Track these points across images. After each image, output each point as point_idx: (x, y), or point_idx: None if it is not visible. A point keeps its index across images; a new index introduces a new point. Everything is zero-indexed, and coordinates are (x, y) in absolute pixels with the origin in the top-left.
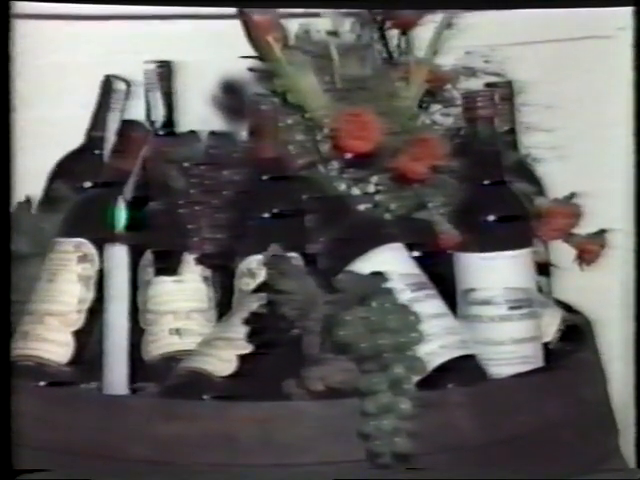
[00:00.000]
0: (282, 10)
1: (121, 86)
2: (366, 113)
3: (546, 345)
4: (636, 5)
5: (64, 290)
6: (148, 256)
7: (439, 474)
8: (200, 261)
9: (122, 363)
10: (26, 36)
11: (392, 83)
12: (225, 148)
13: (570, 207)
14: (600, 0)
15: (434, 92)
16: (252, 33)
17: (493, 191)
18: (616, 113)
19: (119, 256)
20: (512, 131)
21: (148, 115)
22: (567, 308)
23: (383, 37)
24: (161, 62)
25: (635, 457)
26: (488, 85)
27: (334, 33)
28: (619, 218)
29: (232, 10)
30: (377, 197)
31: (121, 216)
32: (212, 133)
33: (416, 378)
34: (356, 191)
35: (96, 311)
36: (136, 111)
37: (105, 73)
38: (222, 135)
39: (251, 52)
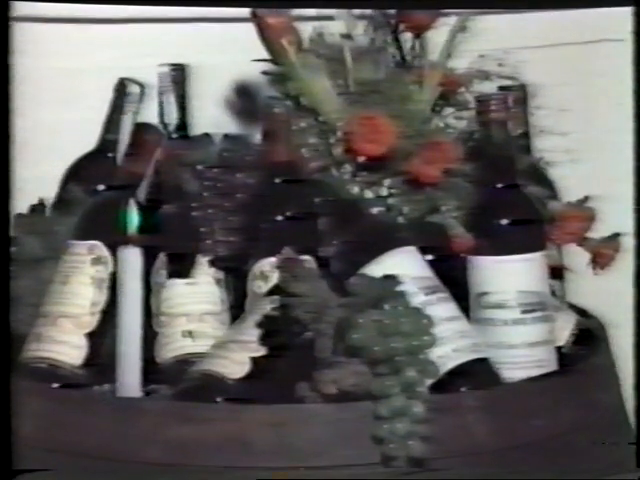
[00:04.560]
0: (296, 13)
1: (135, 89)
2: (379, 116)
3: (560, 349)
4: (636, 5)
5: (77, 292)
6: (161, 259)
7: (452, 476)
8: (213, 264)
9: (135, 366)
10: (40, 39)
11: (406, 86)
12: (238, 151)
13: (584, 211)
14: (600, 0)
15: (448, 95)
16: (266, 36)
17: (506, 194)
18: (630, 116)
19: (132, 259)
20: (526, 134)
21: (162, 118)
22: (581, 312)
23: (397, 40)
24: (175, 65)
25: (635, 457)
26: (502, 88)
27: (348, 36)
28: (633, 222)
29: (246, 13)
30: (390, 200)
31: (134, 219)
32: (225, 136)
33: (429, 381)
34: (369, 194)
35: (109, 313)
36: (150, 114)
37: (119, 76)
38: (235, 138)
39: (265, 55)
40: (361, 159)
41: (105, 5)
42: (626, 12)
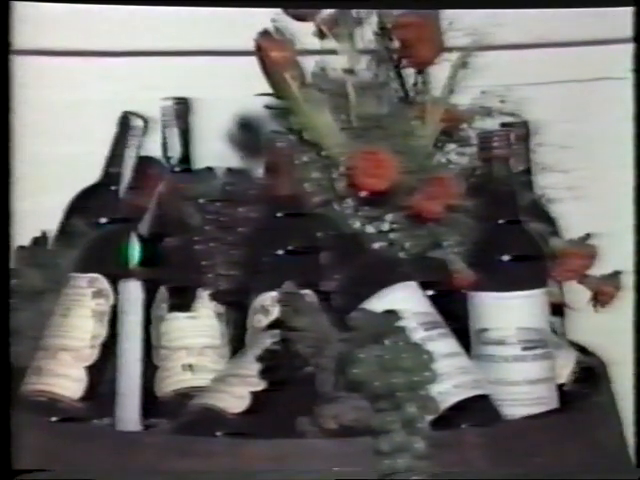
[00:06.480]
0: (299, 47)
1: (138, 123)
2: (382, 151)
3: (561, 387)
4: (636, 6)
5: (78, 325)
6: (162, 292)
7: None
8: (214, 297)
9: (135, 399)
10: (42, 72)
11: (408, 122)
12: (241, 185)
13: (585, 248)
14: (600, 2)
15: (450, 131)
16: (269, 70)
17: (508, 231)
18: (631, 154)
19: (133, 292)
20: (527, 171)
21: (164, 152)
22: (581, 349)
23: (399, 76)
24: (178, 99)
25: (635, 457)
26: (504, 125)
27: (350, 71)
28: (633, 259)
29: (249, 47)
30: (392, 235)
31: (136, 252)
32: (228, 170)
33: (429, 417)
34: (371, 229)
35: (109, 347)
36: (153, 147)
37: (122, 110)
38: (238, 172)
39: (268, 89)
40: (363, 194)
41: (104, 6)
42: (627, 50)
